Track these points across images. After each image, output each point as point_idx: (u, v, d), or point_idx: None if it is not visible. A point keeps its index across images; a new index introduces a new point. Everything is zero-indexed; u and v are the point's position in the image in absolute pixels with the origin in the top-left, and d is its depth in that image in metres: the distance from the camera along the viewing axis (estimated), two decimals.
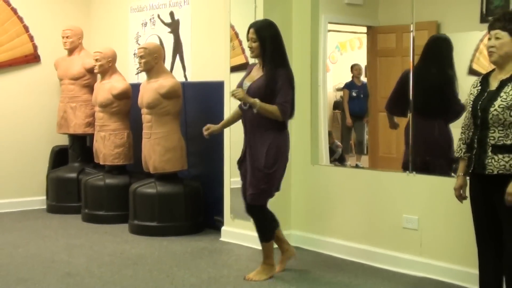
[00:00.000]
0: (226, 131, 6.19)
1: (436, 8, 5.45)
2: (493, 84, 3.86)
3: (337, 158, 6.16)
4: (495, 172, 3.75)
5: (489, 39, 3.85)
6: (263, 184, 4.87)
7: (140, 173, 7.05)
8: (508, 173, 3.71)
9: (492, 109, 3.75)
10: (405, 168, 5.30)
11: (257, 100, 4.78)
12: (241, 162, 5.06)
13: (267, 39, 4.87)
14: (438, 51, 5.35)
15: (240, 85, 5.01)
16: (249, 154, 4.93)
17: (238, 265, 5.47)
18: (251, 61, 5.99)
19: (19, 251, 5.92)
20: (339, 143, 6.42)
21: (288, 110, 4.85)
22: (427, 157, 5.32)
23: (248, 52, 6.00)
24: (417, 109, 5.21)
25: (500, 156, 3.73)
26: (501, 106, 3.73)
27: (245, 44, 6.10)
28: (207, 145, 6.76)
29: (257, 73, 4.97)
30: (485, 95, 3.85)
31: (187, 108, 6.86)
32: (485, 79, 3.94)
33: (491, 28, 3.85)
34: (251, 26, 4.96)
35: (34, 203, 8.05)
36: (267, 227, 5.06)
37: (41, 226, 7.04)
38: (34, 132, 8.08)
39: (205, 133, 5.22)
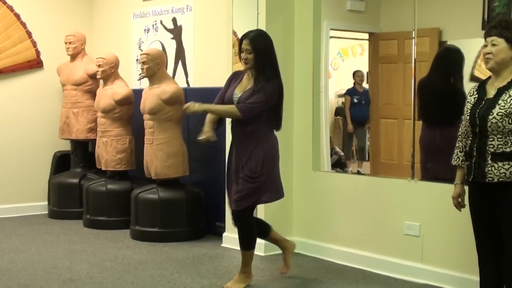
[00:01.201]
0: (228, 137, 6.19)
1: (438, 15, 5.46)
2: (490, 92, 3.86)
3: (333, 164, 6.15)
4: (496, 180, 3.74)
5: (486, 45, 3.85)
6: (246, 190, 4.83)
7: (142, 179, 7.06)
8: (508, 180, 3.71)
9: (491, 117, 3.75)
10: (423, 176, 5.34)
11: (207, 106, 4.86)
12: (228, 171, 5.04)
13: (262, 50, 4.82)
14: (449, 62, 5.35)
15: (231, 95, 4.95)
16: (235, 162, 4.91)
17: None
18: None
19: (21, 257, 5.92)
20: (338, 149, 6.42)
21: (250, 110, 4.76)
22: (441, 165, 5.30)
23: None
24: (430, 117, 5.22)
25: (500, 163, 3.73)
26: (499, 114, 3.73)
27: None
28: (208, 151, 6.77)
29: (247, 83, 4.91)
30: (483, 103, 3.84)
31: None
32: (481, 87, 3.94)
33: (487, 35, 3.85)
34: (244, 37, 4.88)
35: (36, 208, 8.05)
36: (250, 235, 4.99)
37: (42, 231, 7.05)
38: (36, 138, 8.09)
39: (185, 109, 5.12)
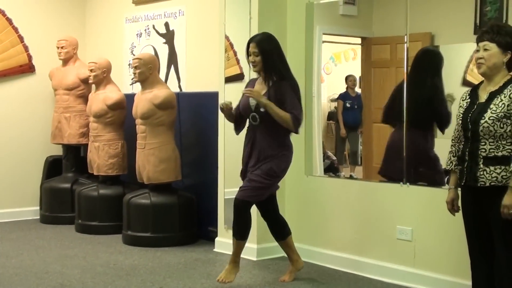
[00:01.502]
0: (221, 141, 6.20)
1: (430, 20, 5.46)
2: (482, 96, 3.87)
3: (325, 168, 6.16)
4: (487, 184, 3.75)
5: (478, 50, 3.87)
6: (259, 184, 4.92)
7: (134, 184, 7.05)
8: (500, 184, 3.72)
9: (482, 121, 3.76)
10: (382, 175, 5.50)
11: (268, 102, 4.85)
12: (244, 173, 5.10)
13: (269, 52, 4.91)
14: (427, 64, 5.38)
15: (246, 102, 5.01)
16: (255, 157, 4.97)
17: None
18: (246, 71, 6.03)
19: (12, 262, 5.90)
20: (330, 154, 6.42)
21: (300, 118, 4.92)
22: (420, 168, 5.34)
23: (243, 63, 6.04)
24: (408, 120, 5.25)
25: (492, 168, 3.74)
26: (491, 118, 3.74)
27: (240, 55, 6.14)
28: (201, 155, 6.77)
29: (261, 87, 4.99)
30: (475, 108, 3.86)
31: (181, 118, 6.86)
32: (474, 91, 3.97)
33: (479, 40, 3.87)
34: (251, 41, 4.99)
35: (28, 213, 8.03)
36: (246, 225, 5.05)
37: (34, 236, 7.02)
38: (28, 142, 8.07)
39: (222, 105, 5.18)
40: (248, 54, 4.99)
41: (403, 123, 5.25)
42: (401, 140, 5.28)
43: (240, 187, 5.01)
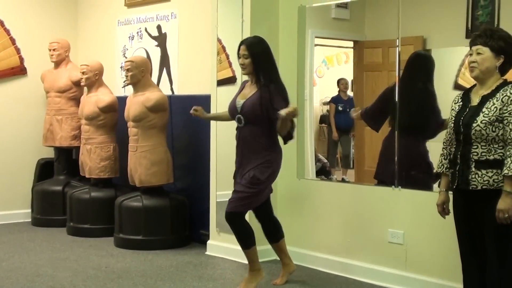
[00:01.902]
0: (213, 144, 6.20)
1: (422, 24, 5.48)
2: (475, 100, 3.89)
3: (316, 171, 6.17)
4: (479, 188, 3.77)
5: (471, 54, 3.89)
6: (244, 194, 4.89)
7: (126, 187, 7.04)
8: (492, 188, 3.73)
9: (474, 124, 3.78)
10: (377, 179, 5.50)
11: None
12: (235, 175, 5.10)
13: (259, 55, 4.92)
14: (418, 68, 5.40)
15: (233, 103, 5.02)
16: (241, 167, 4.97)
17: (223, 279, 5.45)
18: (238, 74, 6.03)
19: (3, 265, 5.88)
20: (321, 157, 6.42)
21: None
22: (410, 171, 5.35)
23: (235, 66, 6.04)
24: (399, 124, 5.28)
25: (484, 171, 3.76)
26: (483, 121, 3.75)
27: (232, 58, 6.14)
28: (193, 158, 6.76)
29: (249, 90, 5.00)
30: (467, 111, 3.87)
31: (173, 121, 6.85)
32: (466, 95, 3.98)
33: (472, 43, 3.89)
34: (242, 43, 5.01)
35: (19, 216, 8.01)
36: (246, 234, 5.02)
37: (25, 239, 7.00)
38: (19, 145, 8.04)
39: (192, 112, 5.32)
40: (238, 56, 5.00)
41: (396, 126, 5.27)
42: (394, 144, 5.30)
43: (228, 200, 5.00)
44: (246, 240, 5.02)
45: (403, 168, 5.28)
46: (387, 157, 5.45)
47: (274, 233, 5.27)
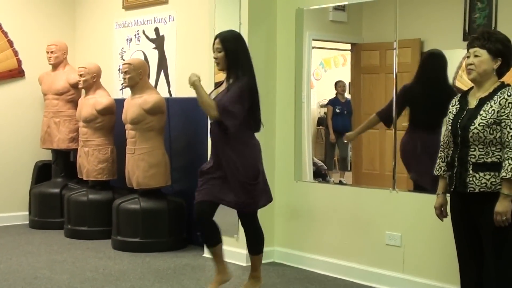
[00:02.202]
0: (209, 146, 6.18)
1: (419, 26, 5.49)
2: (472, 102, 3.89)
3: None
4: (477, 190, 3.77)
5: (468, 57, 3.89)
6: (249, 194, 4.79)
7: (123, 189, 7.03)
8: (489, 191, 3.73)
9: (472, 127, 3.78)
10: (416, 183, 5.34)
11: (199, 88, 4.73)
12: (209, 170, 4.91)
13: (232, 50, 4.77)
14: (435, 66, 5.38)
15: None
16: (226, 167, 4.80)
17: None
18: None
19: (1, 267, 5.87)
20: (316, 160, 6.42)
21: (232, 111, 4.68)
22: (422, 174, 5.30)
23: None
24: (418, 123, 5.26)
25: (481, 174, 3.75)
26: (481, 124, 3.76)
27: None
28: (191, 160, 6.76)
29: (223, 86, 4.89)
30: (465, 113, 3.88)
31: (171, 123, 6.85)
32: (463, 97, 3.98)
33: (470, 46, 3.89)
34: (216, 37, 4.87)
35: (17, 218, 8.00)
36: (258, 240, 5.01)
37: (23, 241, 7.00)
38: (17, 147, 8.04)
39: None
40: (213, 50, 4.86)
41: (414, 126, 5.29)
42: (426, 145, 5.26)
43: (241, 203, 4.88)
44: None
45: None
46: (420, 159, 5.40)
47: (215, 237, 4.99)
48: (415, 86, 5.34)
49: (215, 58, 4.85)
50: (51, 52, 7.74)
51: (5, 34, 7.95)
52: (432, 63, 5.36)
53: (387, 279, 5.25)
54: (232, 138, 4.77)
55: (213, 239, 4.96)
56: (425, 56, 5.35)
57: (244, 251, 5.87)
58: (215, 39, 4.88)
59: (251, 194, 4.82)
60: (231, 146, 4.78)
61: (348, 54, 6.47)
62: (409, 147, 5.36)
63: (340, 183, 6.31)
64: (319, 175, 6.31)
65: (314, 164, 6.36)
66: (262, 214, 5.37)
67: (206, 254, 6.29)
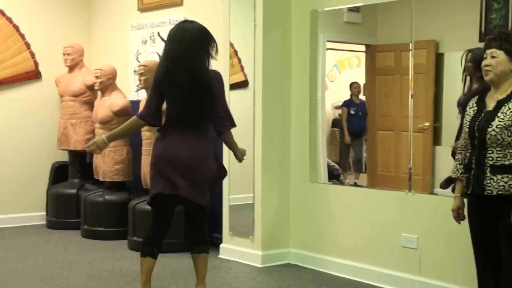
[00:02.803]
0: (225, 150, 6.21)
1: (435, 27, 5.48)
2: (490, 104, 3.87)
3: None
4: (495, 193, 3.74)
5: (485, 58, 3.87)
6: (207, 185, 4.71)
7: (139, 190, 7.06)
8: (507, 193, 3.71)
9: (490, 129, 3.77)
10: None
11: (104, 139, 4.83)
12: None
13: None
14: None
15: None
16: (184, 158, 4.59)
17: (236, 283, 5.47)
18: (250, 79, 6.06)
19: (19, 267, 5.92)
20: (329, 161, 6.43)
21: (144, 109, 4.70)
22: None
23: (247, 70, 6.08)
24: None
25: (499, 176, 3.73)
26: (499, 126, 3.74)
27: (244, 62, 6.17)
28: None
29: None
30: (482, 116, 3.86)
31: None
32: (481, 99, 3.95)
33: (487, 47, 3.87)
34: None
35: (34, 218, 8.05)
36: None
37: (40, 241, 7.05)
38: (34, 148, 8.10)
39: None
40: None
41: None
42: None
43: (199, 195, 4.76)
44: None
45: None
46: None
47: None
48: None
49: None
50: (68, 54, 7.79)
51: (22, 36, 8.00)
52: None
53: (404, 282, 5.24)
54: (202, 131, 4.66)
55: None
56: (472, 57, 5.23)
57: (259, 252, 5.90)
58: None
59: (208, 185, 4.73)
60: (201, 140, 4.67)
61: (362, 56, 6.48)
62: None
63: (355, 184, 6.32)
64: (332, 176, 6.32)
65: (328, 165, 6.37)
66: (278, 216, 5.39)
67: (222, 255, 6.31)
